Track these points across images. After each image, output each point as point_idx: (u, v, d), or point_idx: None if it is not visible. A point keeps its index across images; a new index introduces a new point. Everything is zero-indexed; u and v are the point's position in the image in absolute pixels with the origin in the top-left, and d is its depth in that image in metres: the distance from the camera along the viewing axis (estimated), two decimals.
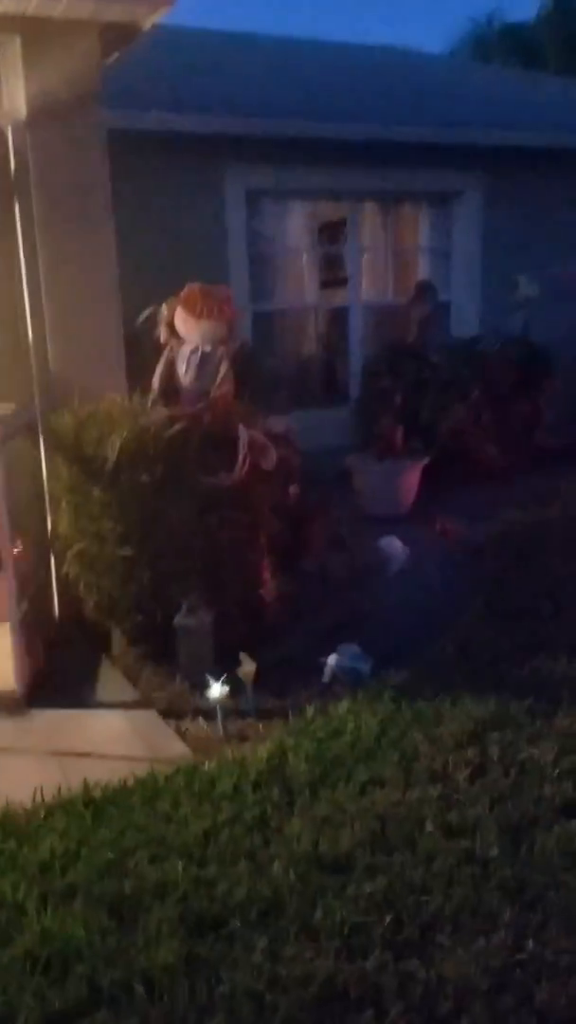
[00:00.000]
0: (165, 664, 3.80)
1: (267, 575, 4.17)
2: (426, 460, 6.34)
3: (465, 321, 7.92)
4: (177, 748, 3.24)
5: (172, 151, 6.44)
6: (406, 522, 6.04)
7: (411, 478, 6.30)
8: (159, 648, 3.82)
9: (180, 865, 2.42)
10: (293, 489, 4.95)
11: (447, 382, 6.82)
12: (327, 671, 3.62)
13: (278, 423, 5.24)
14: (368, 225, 8.08)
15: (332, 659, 3.61)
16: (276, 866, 2.37)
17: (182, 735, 3.34)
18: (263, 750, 3.00)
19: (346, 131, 6.96)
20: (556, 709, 3.11)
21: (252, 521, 3.92)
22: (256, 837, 2.52)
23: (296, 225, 7.87)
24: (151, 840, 2.56)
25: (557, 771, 2.74)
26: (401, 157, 7.28)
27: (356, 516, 6.12)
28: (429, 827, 2.49)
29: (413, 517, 6.15)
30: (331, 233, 8.21)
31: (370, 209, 8.05)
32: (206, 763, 2.97)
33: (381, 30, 33.56)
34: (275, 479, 4.20)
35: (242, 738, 3.28)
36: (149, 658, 3.84)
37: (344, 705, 3.25)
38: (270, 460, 3.95)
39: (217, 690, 3.30)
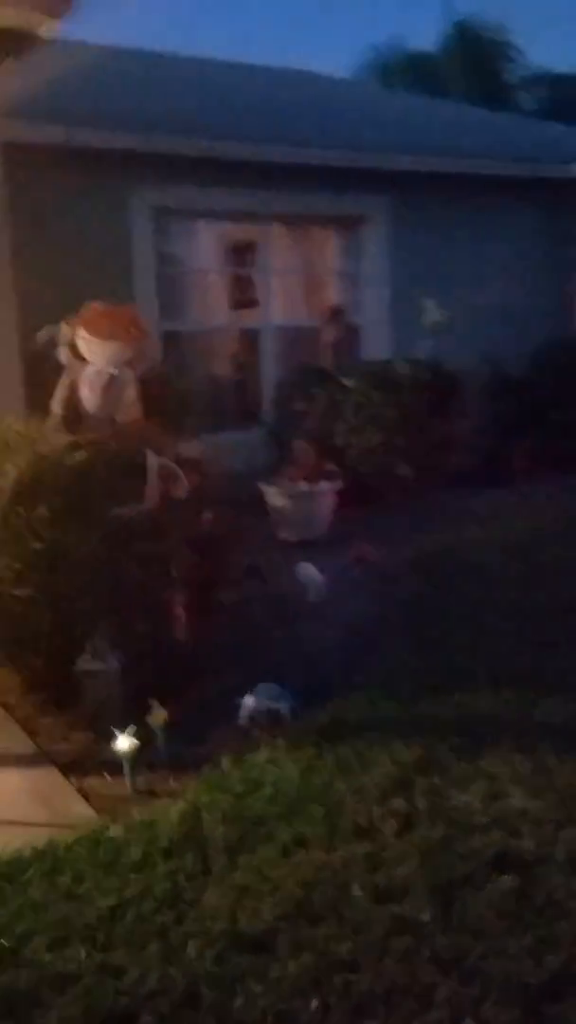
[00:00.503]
0: (68, 713, 3.52)
1: (180, 611, 3.94)
2: (340, 483, 6.24)
3: (376, 344, 7.90)
4: (80, 810, 2.96)
5: (76, 167, 6.19)
6: (321, 547, 5.91)
7: (326, 501, 6.19)
8: (61, 695, 3.53)
9: (83, 951, 2.17)
10: (206, 516, 4.74)
11: (360, 405, 6.76)
12: (244, 713, 3.41)
13: (190, 448, 5.03)
14: (279, 247, 7.99)
15: (249, 700, 3.41)
16: (191, 948, 2.14)
17: (86, 794, 3.06)
18: (175, 810, 2.76)
19: (254, 152, 6.86)
20: (481, 748, 2.99)
21: (164, 554, 3.69)
22: (168, 914, 2.29)
23: (205, 245, 7.72)
24: (50, 922, 2.29)
25: (486, 819, 2.60)
26: (310, 180, 7.24)
27: (270, 542, 5.98)
28: (356, 891, 2.31)
29: (328, 542, 6.02)
30: (242, 254, 8.09)
31: (280, 231, 7.97)
32: (112, 827, 2.71)
33: (284, 55, 34.01)
34: (187, 507, 3.99)
35: (153, 794, 3.03)
36: (50, 707, 3.54)
37: (263, 754, 3.04)
38: (182, 488, 3.74)
39: (125, 742, 3.05)
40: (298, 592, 4.84)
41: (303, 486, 6.11)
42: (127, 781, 3.06)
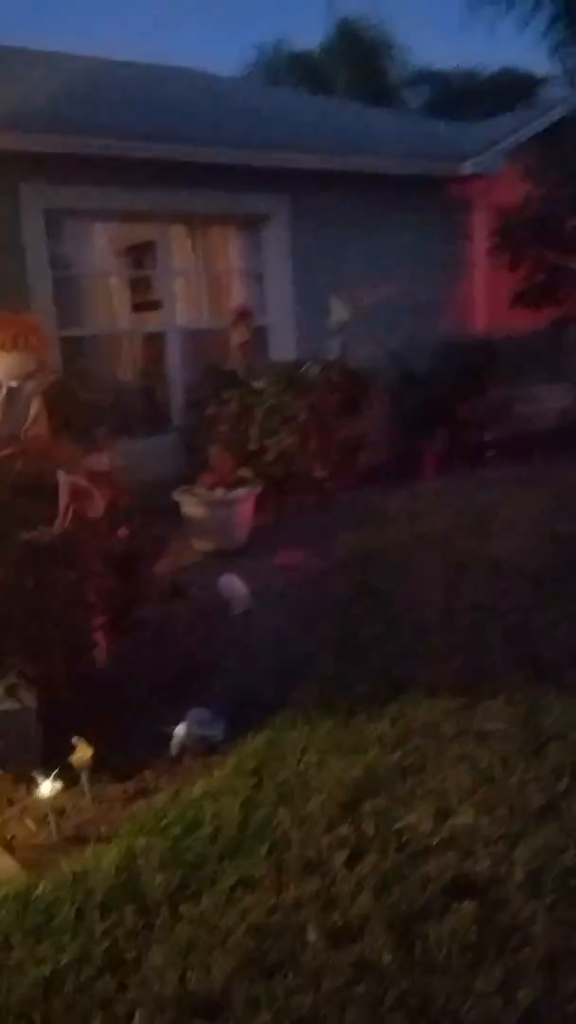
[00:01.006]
0: None
1: (100, 636, 3.71)
2: (259, 489, 6.09)
3: (283, 345, 7.79)
4: (3, 863, 2.72)
5: None
6: (243, 555, 5.76)
7: (245, 508, 6.03)
8: None
9: None
10: (122, 532, 4.52)
11: (272, 407, 6.63)
12: (175, 743, 3.23)
13: (100, 460, 4.79)
14: (179, 248, 7.78)
15: (180, 729, 3.22)
16: (139, 1018, 1.96)
17: (8, 845, 2.82)
18: (108, 858, 2.56)
19: (149, 150, 6.64)
20: (424, 762, 2.90)
21: (79, 577, 3.46)
22: (110, 980, 2.09)
23: (103, 247, 7.44)
24: None
25: (437, 840, 2.51)
26: (208, 179, 7.06)
27: (189, 553, 5.79)
28: (312, 935, 2.17)
29: (250, 549, 5.88)
30: (141, 256, 7.83)
31: (179, 231, 7.77)
32: (40, 884, 2.48)
33: (168, 53, 33.59)
34: (101, 524, 3.77)
35: (83, 840, 2.81)
36: None
37: (199, 787, 2.87)
38: (96, 507, 3.52)
39: (48, 787, 2.82)
40: (223, 605, 4.68)
41: (220, 493, 5.94)
42: (52, 828, 2.83)
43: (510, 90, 15.00)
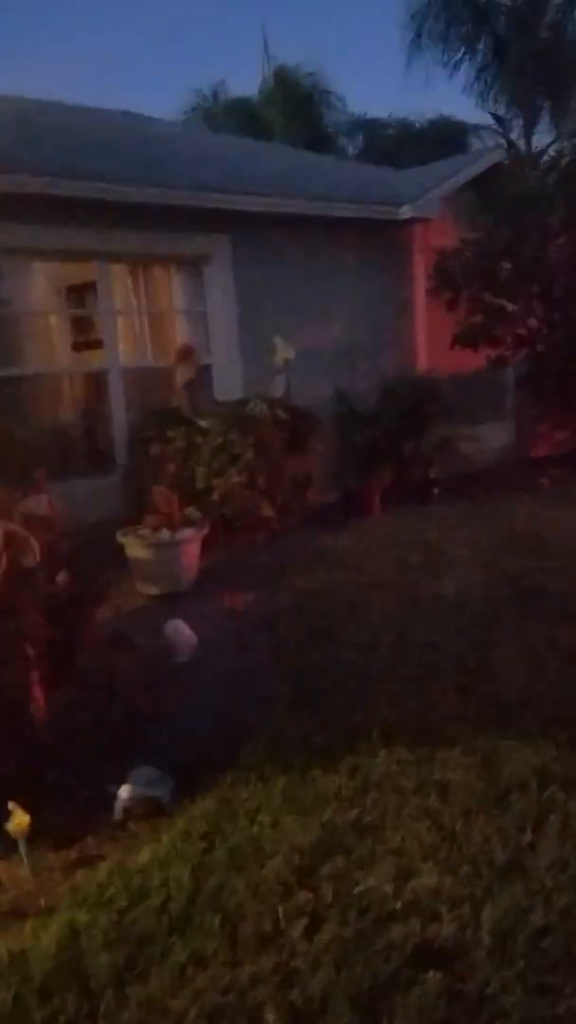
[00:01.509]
0: None
1: (38, 692, 3.51)
2: (206, 529, 5.97)
3: (228, 384, 7.75)
4: None
5: None
6: (190, 598, 5.61)
7: (191, 549, 5.88)
8: None
9: None
10: (61, 578, 4.33)
11: (219, 446, 6.54)
12: (119, 805, 3.04)
13: (37, 503, 4.62)
14: (120, 287, 7.71)
15: (124, 790, 3.04)
16: None
17: None
18: (48, 936, 2.36)
19: (89, 190, 6.57)
20: (383, 818, 2.78)
21: (15, 630, 3.27)
22: None
23: (42, 285, 7.30)
24: None
25: (399, 903, 2.38)
26: (148, 219, 7.04)
27: (134, 597, 5.61)
28: (270, 1015, 2.02)
29: (197, 592, 5.73)
30: (81, 295, 7.72)
31: (120, 271, 7.70)
32: None
33: (106, 96, 33.92)
34: (39, 571, 3.59)
35: (20, 914, 2.60)
36: None
37: (146, 854, 2.69)
38: (32, 555, 3.34)
39: None
40: (169, 652, 4.51)
41: (165, 535, 5.78)
42: None
43: (443, 138, 15.45)
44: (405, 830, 2.71)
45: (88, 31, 34.09)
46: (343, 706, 3.58)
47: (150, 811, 3.03)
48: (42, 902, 2.61)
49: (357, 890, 2.46)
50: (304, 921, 2.33)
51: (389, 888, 2.45)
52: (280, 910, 2.38)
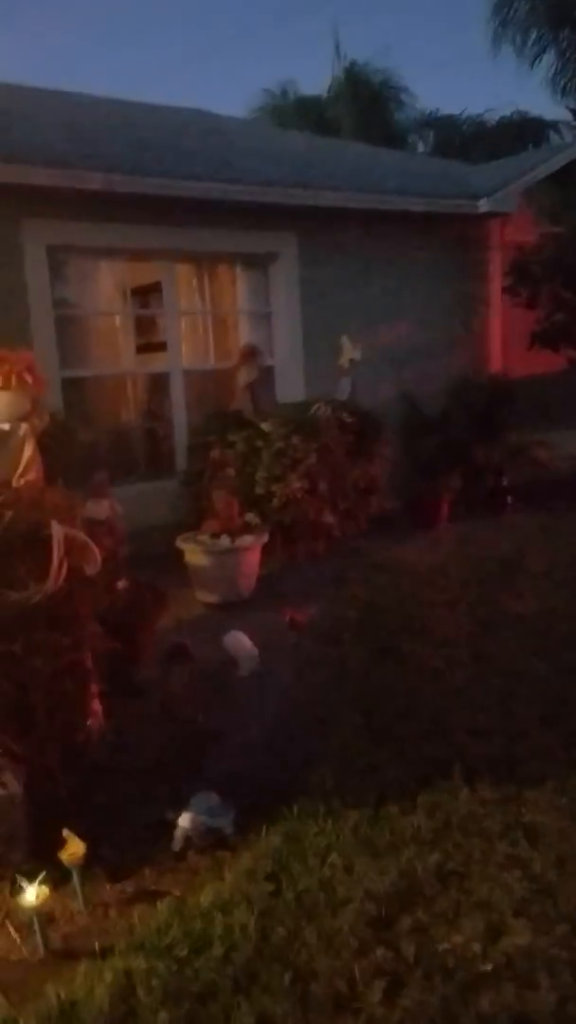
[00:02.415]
0: None
1: (96, 706, 3.34)
2: (266, 536, 5.76)
3: (290, 386, 7.54)
4: None
5: None
6: (249, 608, 5.41)
7: (251, 557, 5.68)
8: None
9: None
10: (121, 584, 4.19)
11: (280, 450, 6.32)
12: (179, 835, 2.84)
13: (99, 508, 4.48)
14: (184, 287, 7.56)
15: (184, 819, 2.83)
16: None
17: None
18: (101, 985, 2.16)
19: (154, 186, 6.43)
20: (468, 865, 2.52)
21: (74, 641, 3.10)
22: None
23: (107, 285, 7.20)
24: None
25: (490, 966, 2.13)
26: (215, 217, 6.88)
27: (192, 605, 5.43)
28: None
29: (256, 601, 5.52)
30: (146, 295, 7.61)
31: (185, 271, 7.56)
32: (21, 1020, 2.09)
33: (178, 96, 34.18)
34: (99, 577, 3.41)
35: (73, 955, 2.42)
36: None
37: (208, 894, 2.48)
38: (94, 563, 3.17)
39: (33, 893, 2.43)
40: (228, 665, 4.30)
41: (225, 541, 5.59)
42: (37, 942, 2.44)
43: (518, 134, 15.02)
44: (492, 880, 2.44)
45: (159, 31, 34.45)
46: (417, 735, 3.31)
47: (211, 842, 2.82)
48: (96, 943, 2.42)
49: (441, 947, 2.21)
50: (383, 983, 2.09)
51: (477, 947, 2.20)
52: (356, 968, 2.14)
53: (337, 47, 20.30)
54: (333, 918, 2.31)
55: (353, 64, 17.28)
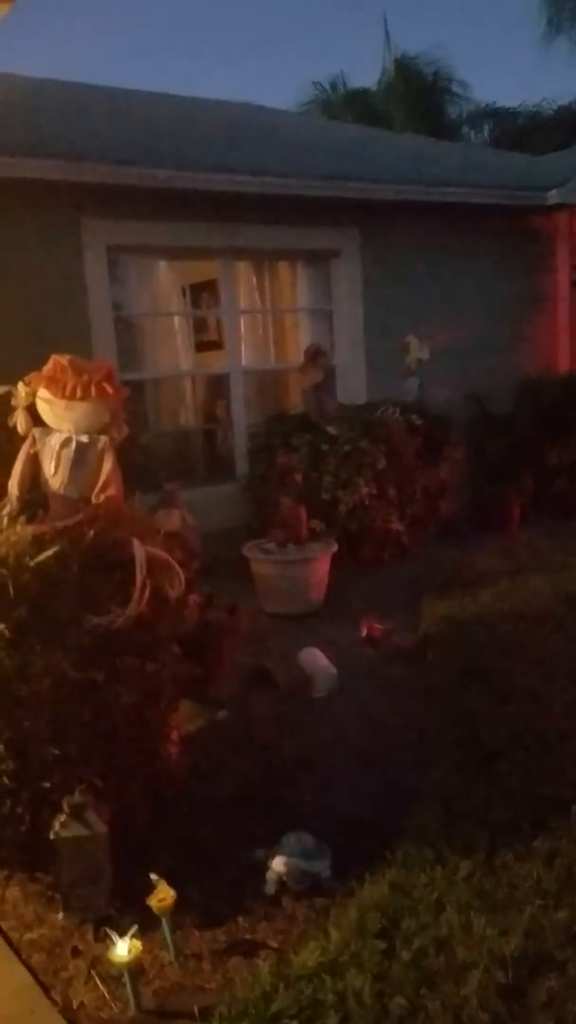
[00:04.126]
0: (37, 882, 2.71)
1: (175, 734, 3.17)
2: (335, 545, 5.54)
3: (353, 387, 7.29)
4: None
5: (20, 201, 5.49)
6: (319, 620, 5.20)
7: (320, 567, 5.46)
8: (28, 860, 2.72)
9: None
10: (194, 599, 3.99)
11: (346, 454, 6.09)
12: (272, 879, 2.64)
13: (170, 519, 4.30)
14: (243, 286, 7.37)
15: (278, 862, 2.64)
16: None
17: (75, 1020, 2.25)
18: None
19: (216, 183, 6.24)
20: None
21: (157, 667, 2.92)
22: None
23: (165, 285, 7.04)
24: None
25: None
26: (274, 213, 6.67)
27: (258, 617, 5.24)
28: None
29: (326, 613, 5.31)
30: (204, 294, 7.44)
31: (245, 268, 7.36)
32: None
33: (224, 92, 34.15)
34: (180, 601, 3.23)
35: (166, 1015, 2.24)
36: (11, 874, 2.73)
37: (313, 952, 2.27)
38: (178, 584, 2.98)
39: (125, 948, 2.25)
40: (304, 684, 4.09)
41: (293, 551, 5.39)
42: (129, 999, 2.26)
43: None
44: None
45: (208, 25, 34.38)
46: (521, 770, 3.06)
47: (307, 888, 2.62)
48: (193, 1003, 2.23)
49: None
50: None
51: None
52: None
53: (387, 38, 19.96)
54: (457, 985, 2.09)
55: (404, 56, 16.93)
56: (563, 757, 3.12)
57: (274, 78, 34.11)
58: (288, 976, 2.18)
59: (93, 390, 2.92)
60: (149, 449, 6.37)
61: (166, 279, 7.02)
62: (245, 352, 7.21)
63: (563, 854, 2.53)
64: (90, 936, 2.54)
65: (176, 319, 6.99)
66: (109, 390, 2.94)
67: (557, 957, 2.17)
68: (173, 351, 7.06)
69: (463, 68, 22.37)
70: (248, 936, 2.49)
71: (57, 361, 2.92)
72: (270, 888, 2.63)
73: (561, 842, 2.58)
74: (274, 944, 2.43)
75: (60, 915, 2.61)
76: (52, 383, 2.91)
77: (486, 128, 16.78)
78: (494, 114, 16.75)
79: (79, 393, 2.91)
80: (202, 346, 7.46)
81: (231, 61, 33.77)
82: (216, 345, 7.34)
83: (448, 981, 2.10)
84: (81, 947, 2.50)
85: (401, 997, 2.05)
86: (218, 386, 7.21)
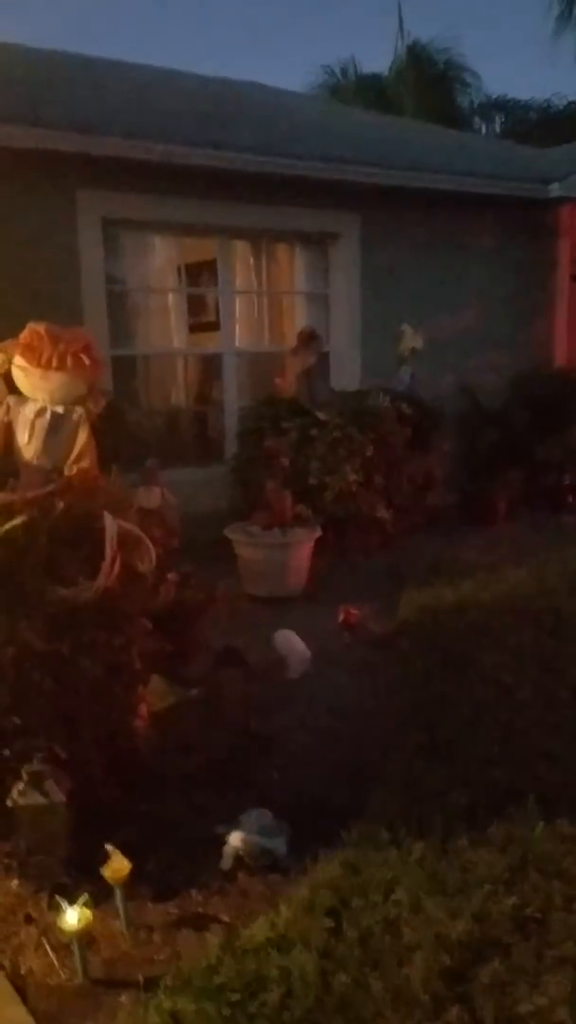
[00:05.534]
0: None
1: (143, 709, 3.17)
2: (318, 531, 5.54)
3: (346, 373, 7.27)
4: (12, 1015, 2.16)
5: (16, 171, 5.45)
6: (299, 604, 5.21)
7: (303, 552, 5.47)
8: None
9: None
10: (171, 577, 3.99)
11: (335, 440, 6.07)
12: (228, 854, 2.65)
13: (150, 496, 4.30)
14: (240, 266, 7.32)
15: (235, 837, 2.64)
16: None
17: (23, 986, 2.26)
18: None
19: (215, 158, 6.18)
20: (549, 912, 2.28)
21: (124, 641, 2.92)
22: None
23: (161, 261, 6.99)
24: None
25: None
26: (274, 193, 6.62)
27: (239, 598, 5.24)
28: None
29: (306, 598, 5.32)
30: (200, 273, 7.39)
31: (242, 248, 7.31)
32: None
33: (235, 72, 33.80)
34: (151, 575, 3.22)
35: (114, 984, 2.25)
36: None
37: (262, 927, 2.28)
38: (148, 559, 2.98)
39: (75, 916, 2.26)
40: (278, 666, 4.10)
41: (277, 534, 5.39)
42: (78, 967, 2.27)
43: None
44: (573, 927, 2.21)
45: (220, 3, 34.01)
46: (485, 758, 3.06)
47: (263, 864, 2.63)
48: (140, 973, 2.24)
49: (523, 1009, 1.98)
50: None
51: (564, 1012, 1.96)
52: None
53: (401, 24, 19.74)
54: (401, 966, 2.09)
55: (416, 43, 16.78)
56: (525, 746, 3.13)
57: (285, 60, 33.71)
58: (236, 950, 2.19)
59: (69, 361, 2.90)
60: (138, 427, 6.34)
61: (162, 256, 6.97)
62: (239, 333, 7.18)
63: (517, 841, 2.53)
64: (44, 904, 2.54)
65: (171, 296, 6.95)
66: (86, 361, 2.93)
67: (504, 942, 2.18)
68: (166, 328, 7.02)
69: (476, 59, 22.13)
70: (201, 910, 2.50)
71: (33, 329, 2.90)
72: (226, 863, 2.64)
73: (516, 829, 2.58)
74: (225, 918, 2.44)
75: (15, 883, 2.62)
76: (28, 351, 2.89)
77: (497, 120, 16.65)
78: (505, 106, 16.62)
79: (55, 363, 2.90)
80: (196, 327, 7.42)
81: (243, 41, 33.42)
82: (210, 326, 7.31)
83: (393, 961, 2.11)
84: (35, 915, 2.51)
85: (344, 975, 2.06)
86: (211, 367, 7.19)
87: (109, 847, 2.46)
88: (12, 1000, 2.21)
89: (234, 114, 7.63)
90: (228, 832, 2.69)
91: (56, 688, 2.69)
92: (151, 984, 2.19)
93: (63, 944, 2.36)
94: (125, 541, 2.87)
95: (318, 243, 7.30)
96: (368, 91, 16.47)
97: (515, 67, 33.25)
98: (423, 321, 7.20)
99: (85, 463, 3.02)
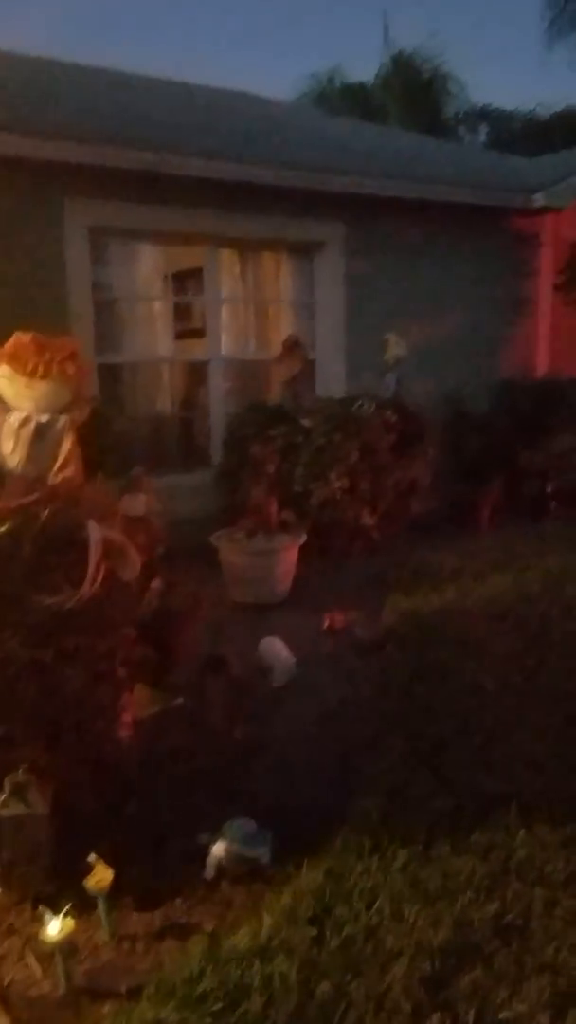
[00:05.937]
0: None
1: (127, 717, 3.17)
2: (303, 537, 5.55)
3: (331, 380, 7.31)
4: None
5: (3, 178, 5.45)
6: (284, 611, 5.21)
7: (288, 558, 5.48)
8: None
9: None
10: (156, 584, 3.99)
11: (321, 447, 6.10)
12: (211, 863, 2.66)
13: (135, 503, 4.30)
14: (226, 274, 7.35)
15: (218, 847, 2.65)
16: None
17: (5, 996, 2.26)
18: None
19: (202, 168, 6.21)
20: (529, 919, 2.30)
21: (107, 649, 2.92)
22: None
23: (148, 269, 7.00)
24: None
25: None
26: (260, 203, 6.65)
27: (223, 605, 5.24)
28: None
29: (291, 605, 5.33)
30: (187, 281, 7.41)
31: (228, 257, 7.33)
32: None
33: (221, 81, 33.93)
34: (136, 582, 3.23)
35: (97, 993, 2.25)
36: None
37: (244, 936, 2.29)
38: (131, 567, 2.99)
39: (56, 926, 2.26)
40: (263, 673, 4.11)
41: (262, 540, 5.40)
42: (60, 978, 2.27)
43: (573, 129, 14.55)
44: (558, 937, 2.23)
45: (205, 13, 34.10)
46: (468, 764, 3.09)
47: (246, 872, 2.64)
48: (122, 983, 2.24)
49: (503, 1015, 2.00)
50: None
51: (544, 1019, 1.98)
52: None
53: (386, 33, 19.92)
54: (383, 973, 2.11)
55: (401, 52, 16.90)
56: (508, 752, 3.15)
57: (271, 69, 33.90)
58: (218, 959, 2.20)
59: (55, 369, 2.91)
60: (124, 434, 6.34)
61: (149, 264, 6.98)
62: (225, 340, 7.20)
63: (499, 848, 2.55)
64: (27, 914, 2.54)
65: (157, 304, 6.96)
66: (71, 370, 2.93)
67: (484, 949, 2.19)
68: (153, 336, 7.03)
69: (462, 68, 22.34)
70: (184, 919, 2.50)
71: (19, 338, 2.91)
72: (209, 872, 2.65)
73: (498, 835, 2.61)
74: (208, 927, 2.45)
75: None
76: (14, 360, 2.90)
77: (482, 130, 16.80)
78: (489, 115, 16.76)
79: (40, 371, 2.90)
80: (183, 334, 7.43)
81: (228, 49, 33.58)
82: (197, 333, 7.32)
83: (374, 969, 2.13)
84: (17, 925, 2.51)
85: (326, 983, 2.07)
86: (197, 374, 7.20)
87: (92, 857, 2.46)
88: None
89: (221, 123, 7.67)
90: (211, 842, 2.70)
91: (40, 696, 2.69)
92: (134, 993, 2.19)
93: (46, 954, 2.35)
94: (110, 549, 2.88)
95: (304, 252, 7.34)
96: (354, 100, 16.57)
97: (500, 77, 33.54)
98: (408, 329, 7.25)
99: (70, 471, 3.02)
